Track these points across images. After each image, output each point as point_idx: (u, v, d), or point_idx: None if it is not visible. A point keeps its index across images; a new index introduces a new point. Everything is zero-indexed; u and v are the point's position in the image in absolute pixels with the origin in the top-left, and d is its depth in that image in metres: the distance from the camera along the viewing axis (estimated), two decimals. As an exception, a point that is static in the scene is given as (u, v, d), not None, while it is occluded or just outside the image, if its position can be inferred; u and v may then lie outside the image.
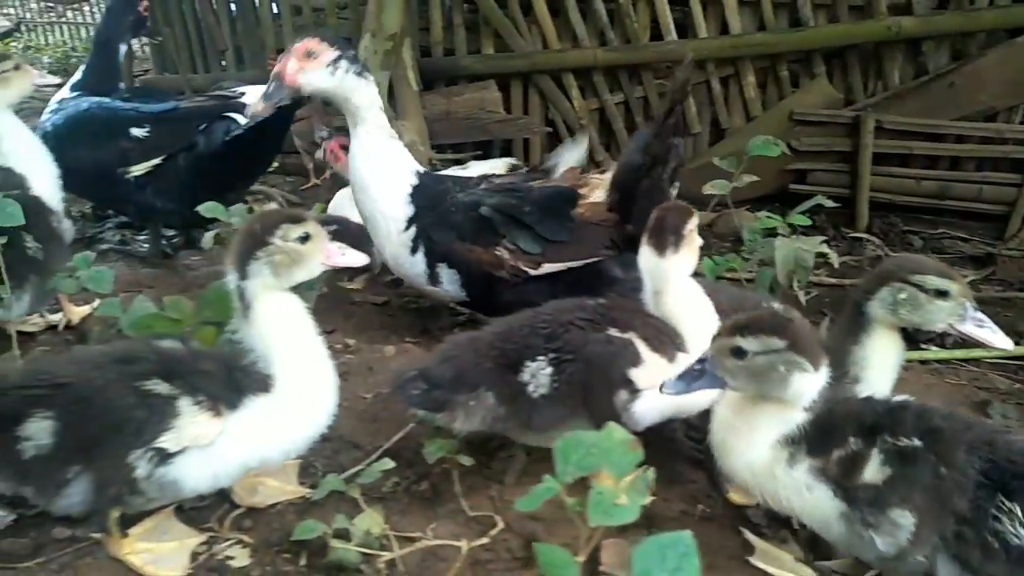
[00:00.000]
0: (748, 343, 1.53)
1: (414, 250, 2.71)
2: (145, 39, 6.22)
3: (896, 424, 1.52)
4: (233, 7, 6.52)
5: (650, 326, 1.91)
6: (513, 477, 2.01)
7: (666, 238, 1.90)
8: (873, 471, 1.48)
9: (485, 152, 5.48)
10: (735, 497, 2.00)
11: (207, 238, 3.13)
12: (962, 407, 2.61)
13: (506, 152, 5.58)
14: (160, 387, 1.60)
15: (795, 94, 5.33)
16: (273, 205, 4.34)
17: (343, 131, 3.06)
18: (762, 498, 1.63)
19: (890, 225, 5.10)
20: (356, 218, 2.96)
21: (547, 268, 2.60)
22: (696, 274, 2.03)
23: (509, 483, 1.99)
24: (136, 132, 3.23)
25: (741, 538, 1.86)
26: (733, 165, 3.64)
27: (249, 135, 3.13)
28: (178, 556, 1.73)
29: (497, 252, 2.61)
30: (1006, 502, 1.41)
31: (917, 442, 1.47)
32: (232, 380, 1.66)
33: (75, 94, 3.55)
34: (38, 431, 1.55)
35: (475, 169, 3.95)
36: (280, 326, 1.69)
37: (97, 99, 3.46)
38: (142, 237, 3.84)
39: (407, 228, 2.70)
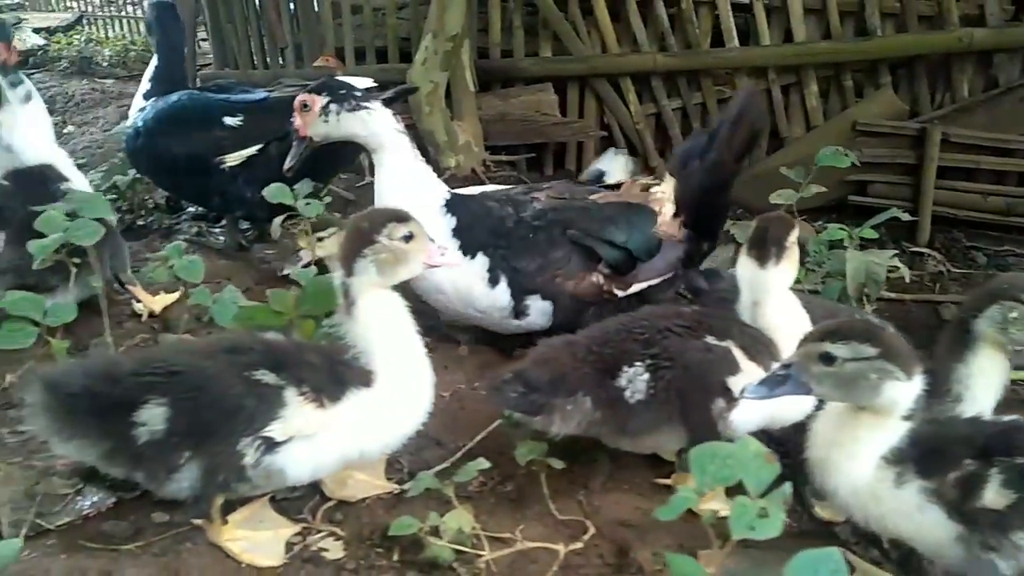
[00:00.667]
0: (838, 349, 1.50)
1: (493, 282, 2.52)
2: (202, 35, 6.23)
3: (1013, 445, 1.50)
4: (292, 5, 6.61)
5: (747, 335, 1.91)
6: (599, 482, 2.00)
7: (768, 249, 1.88)
8: (993, 493, 1.46)
9: (538, 155, 5.49)
10: (822, 513, 1.97)
11: (275, 225, 3.12)
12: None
13: (559, 156, 5.58)
14: (268, 377, 1.63)
15: (859, 104, 5.23)
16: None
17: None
18: (861, 517, 1.60)
19: (953, 240, 4.97)
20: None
21: (636, 288, 2.57)
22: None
23: (595, 488, 1.99)
24: (230, 121, 3.21)
25: (834, 555, 1.83)
26: (800, 175, 3.61)
27: None
28: (274, 545, 1.76)
29: (594, 279, 2.53)
30: None
31: None
32: (335, 373, 1.69)
33: (150, 101, 3.52)
34: (152, 417, 1.58)
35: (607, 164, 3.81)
36: (382, 323, 1.71)
37: (188, 91, 3.45)
38: (217, 229, 3.86)
39: (472, 256, 2.49)
